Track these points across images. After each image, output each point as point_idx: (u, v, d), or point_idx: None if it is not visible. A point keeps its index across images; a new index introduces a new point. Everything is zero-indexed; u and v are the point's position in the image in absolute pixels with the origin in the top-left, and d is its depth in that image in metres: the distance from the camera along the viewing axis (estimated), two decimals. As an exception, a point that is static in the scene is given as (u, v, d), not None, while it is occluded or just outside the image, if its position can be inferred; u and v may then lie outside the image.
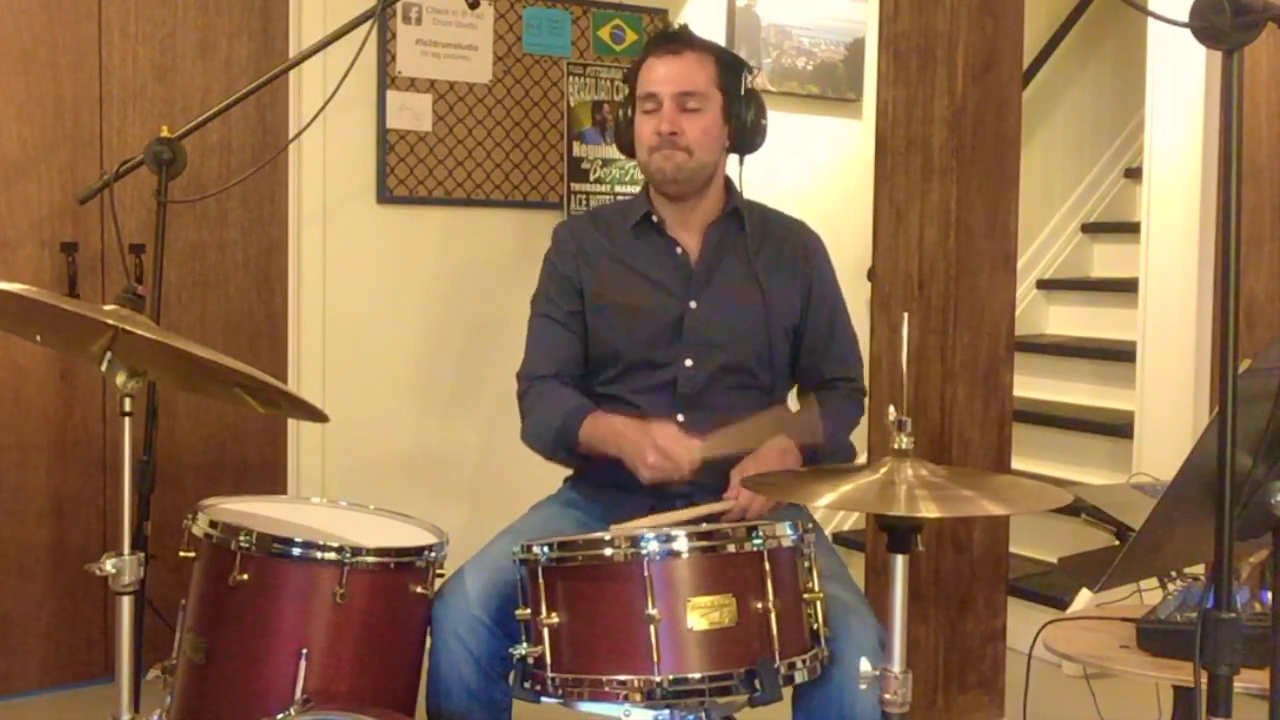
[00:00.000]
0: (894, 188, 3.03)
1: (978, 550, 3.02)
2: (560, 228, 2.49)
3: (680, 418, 2.25)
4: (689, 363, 2.29)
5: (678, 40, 2.32)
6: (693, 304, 2.31)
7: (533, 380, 2.34)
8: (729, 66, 2.33)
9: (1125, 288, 4.35)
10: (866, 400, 2.53)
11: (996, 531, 3.06)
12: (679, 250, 2.34)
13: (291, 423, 3.52)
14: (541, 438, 2.28)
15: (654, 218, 2.35)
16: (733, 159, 2.41)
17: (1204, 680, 1.40)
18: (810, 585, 1.87)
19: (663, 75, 2.28)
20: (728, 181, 2.40)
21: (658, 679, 1.73)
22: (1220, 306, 1.39)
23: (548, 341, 2.35)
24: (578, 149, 3.86)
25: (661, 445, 2.06)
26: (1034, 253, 5.01)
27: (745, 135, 2.34)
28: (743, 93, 2.31)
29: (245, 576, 1.88)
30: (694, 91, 2.27)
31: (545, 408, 2.29)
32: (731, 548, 1.80)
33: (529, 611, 1.84)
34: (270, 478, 3.54)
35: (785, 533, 1.84)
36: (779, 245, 2.38)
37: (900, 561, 1.73)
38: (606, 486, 2.27)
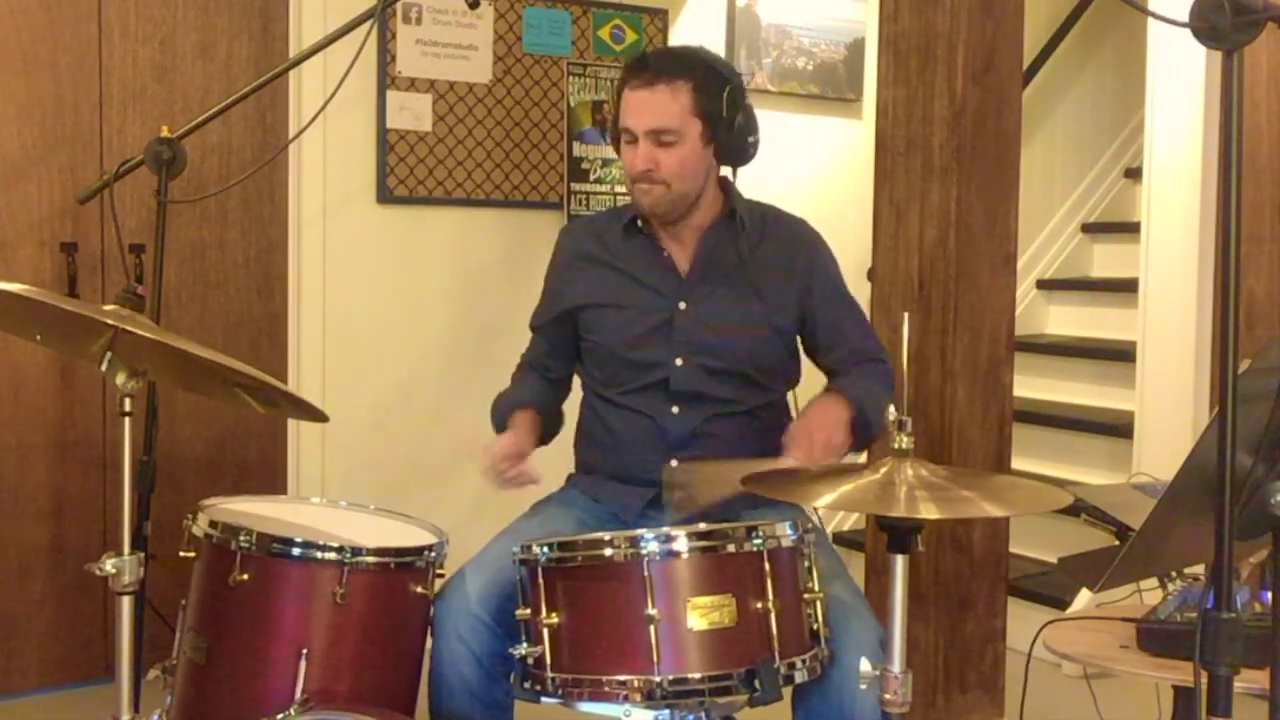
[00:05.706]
0: (894, 188, 3.03)
1: (978, 550, 3.02)
2: (561, 232, 2.55)
3: (674, 409, 2.28)
4: (679, 362, 2.29)
5: (648, 70, 2.25)
6: (682, 305, 2.31)
7: (517, 368, 2.52)
8: (707, 88, 2.25)
9: (1125, 288, 4.35)
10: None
11: (996, 532, 3.06)
12: (665, 254, 2.34)
13: (291, 423, 3.52)
14: (492, 417, 2.42)
15: (639, 221, 2.35)
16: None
17: (1204, 680, 1.40)
18: (810, 585, 1.88)
19: (636, 110, 2.25)
20: (725, 183, 2.39)
21: (658, 679, 1.73)
22: (1220, 306, 1.39)
23: (532, 339, 2.51)
24: (578, 149, 3.86)
25: (493, 454, 2.21)
26: (1034, 253, 5.01)
27: (731, 153, 2.30)
28: (725, 112, 2.25)
29: (245, 576, 1.88)
30: (667, 128, 2.22)
31: (508, 392, 2.45)
32: (731, 548, 1.80)
33: (529, 611, 1.84)
34: (270, 478, 3.54)
35: (785, 533, 1.85)
36: (777, 245, 2.37)
37: (900, 561, 1.73)
38: (608, 483, 2.29)
